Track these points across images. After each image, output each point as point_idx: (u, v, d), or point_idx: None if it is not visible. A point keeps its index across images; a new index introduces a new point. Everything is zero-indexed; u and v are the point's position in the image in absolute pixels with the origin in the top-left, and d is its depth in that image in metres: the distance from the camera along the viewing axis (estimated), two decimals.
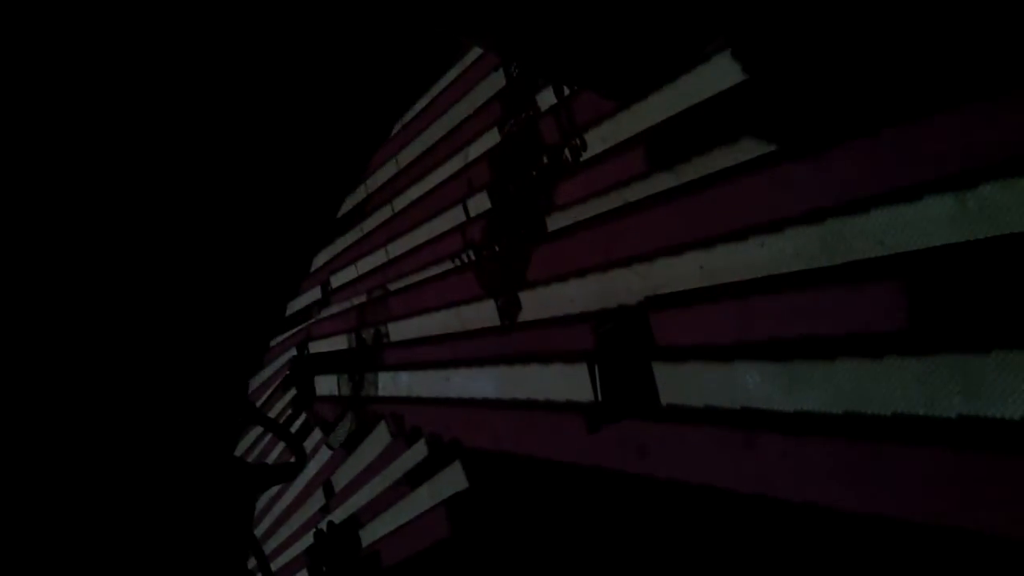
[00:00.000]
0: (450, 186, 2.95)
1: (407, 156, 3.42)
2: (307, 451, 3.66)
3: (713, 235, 1.56)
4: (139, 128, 3.08)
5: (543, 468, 1.92)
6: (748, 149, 1.52)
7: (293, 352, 4.41)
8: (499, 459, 2.13)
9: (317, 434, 3.66)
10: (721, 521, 1.41)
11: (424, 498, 2.44)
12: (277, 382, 4.51)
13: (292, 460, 3.30)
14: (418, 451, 2.57)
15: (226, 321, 4.20)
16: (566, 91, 2.22)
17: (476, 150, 2.76)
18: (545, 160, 2.29)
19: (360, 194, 3.94)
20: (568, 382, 1.90)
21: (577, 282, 2.00)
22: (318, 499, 3.46)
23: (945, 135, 1.15)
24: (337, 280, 4.10)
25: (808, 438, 1.25)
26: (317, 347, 4.12)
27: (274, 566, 3.81)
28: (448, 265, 2.82)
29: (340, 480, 3.24)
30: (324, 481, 3.40)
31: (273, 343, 4.84)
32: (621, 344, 1.77)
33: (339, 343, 3.76)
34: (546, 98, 2.32)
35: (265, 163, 3.84)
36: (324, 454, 3.48)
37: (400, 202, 3.45)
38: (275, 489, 4.10)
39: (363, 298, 3.60)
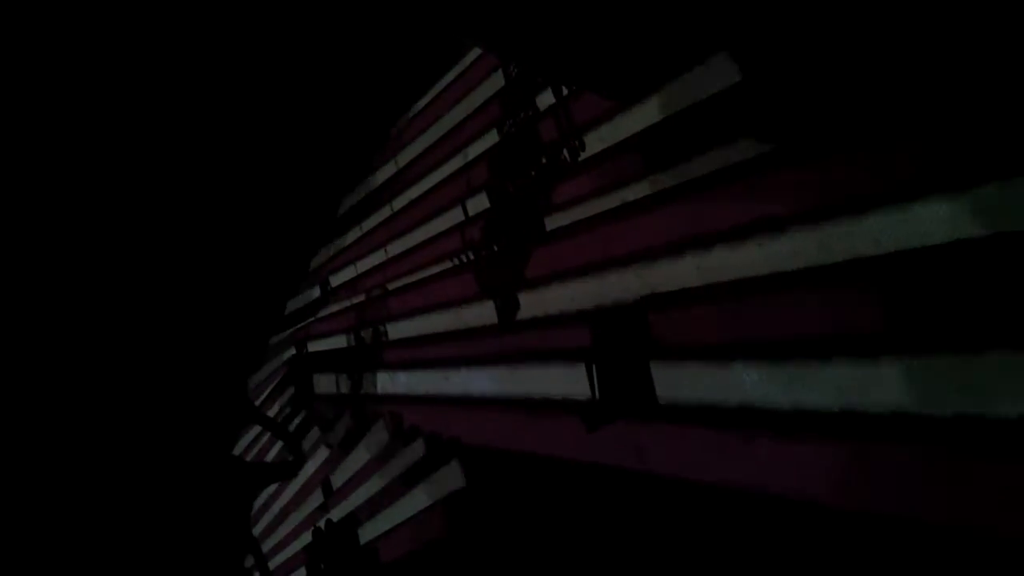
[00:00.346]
0: (449, 186, 2.96)
1: (407, 156, 3.43)
2: (305, 449, 3.67)
3: (711, 235, 1.56)
4: (139, 128, 3.08)
5: (541, 466, 1.92)
6: (746, 149, 1.53)
7: (292, 351, 4.41)
8: (497, 457, 2.13)
9: (316, 432, 3.66)
10: (719, 519, 1.42)
11: (422, 496, 2.44)
12: (276, 380, 4.51)
13: (290, 458, 3.31)
14: (416, 449, 2.58)
15: (225, 320, 4.20)
16: (565, 91, 2.23)
17: (475, 150, 2.77)
18: (544, 160, 2.30)
19: (360, 193, 3.94)
20: (566, 381, 1.90)
21: (576, 282, 2.00)
22: (316, 497, 3.47)
23: (940, 136, 1.16)
24: (336, 279, 4.10)
25: (806, 436, 1.26)
26: (316, 346, 4.13)
27: (272, 564, 3.82)
28: (447, 264, 2.83)
29: (338, 478, 3.24)
30: (322, 479, 3.41)
31: (272, 342, 4.84)
32: (619, 343, 1.78)
33: (338, 342, 3.77)
34: (545, 98, 2.33)
35: (265, 163, 3.84)
36: (322, 452, 3.49)
37: (399, 202, 3.45)
38: (273, 487, 4.11)
39: (362, 297, 3.61)
